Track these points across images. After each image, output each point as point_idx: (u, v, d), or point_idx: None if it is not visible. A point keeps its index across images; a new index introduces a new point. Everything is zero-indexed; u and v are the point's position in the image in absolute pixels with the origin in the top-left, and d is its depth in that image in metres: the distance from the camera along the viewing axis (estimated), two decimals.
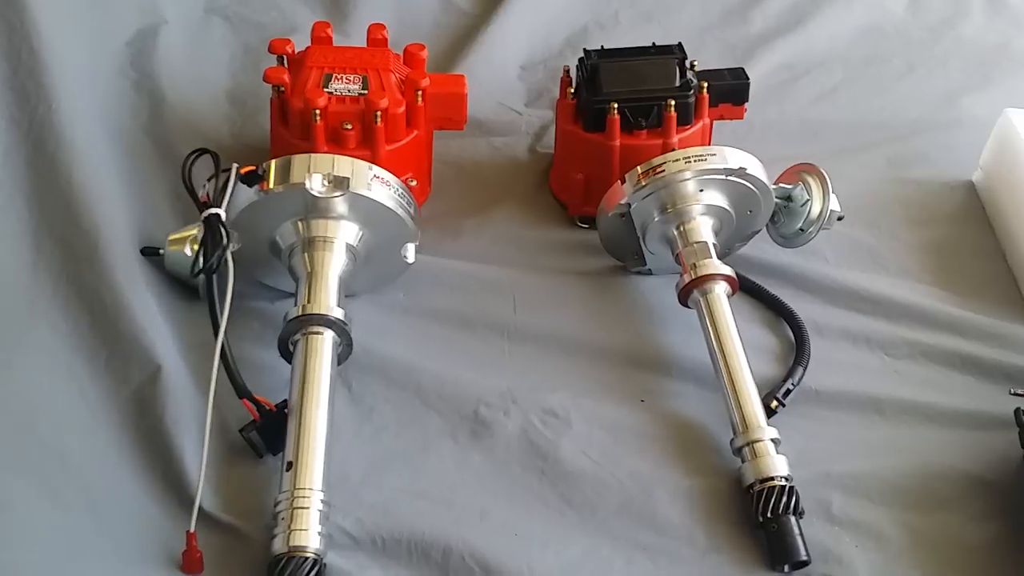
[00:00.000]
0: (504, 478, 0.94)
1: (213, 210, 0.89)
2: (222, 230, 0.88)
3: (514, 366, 1.03)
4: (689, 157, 1.02)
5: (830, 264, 1.17)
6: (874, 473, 0.96)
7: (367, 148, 1.09)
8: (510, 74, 1.43)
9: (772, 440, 0.93)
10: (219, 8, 1.46)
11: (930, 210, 1.26)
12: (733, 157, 1.03)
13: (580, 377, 1.03)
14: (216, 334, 0.87)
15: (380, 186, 0.97)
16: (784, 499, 0.88)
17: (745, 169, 1.03)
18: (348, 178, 0.94)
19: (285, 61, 1.13)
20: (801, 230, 1.09)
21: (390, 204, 0.97)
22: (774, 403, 0.99)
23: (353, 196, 0.96)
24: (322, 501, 0.84)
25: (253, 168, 0.94)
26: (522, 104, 1.38)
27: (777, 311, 1.10)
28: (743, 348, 0.99)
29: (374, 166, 0.98)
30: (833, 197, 1.09)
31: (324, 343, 0.92)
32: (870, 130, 1.37)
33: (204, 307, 1.03)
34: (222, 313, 0.86)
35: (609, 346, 1.06)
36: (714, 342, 0.99)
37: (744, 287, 1.12)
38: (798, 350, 1.05)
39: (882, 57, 1.52)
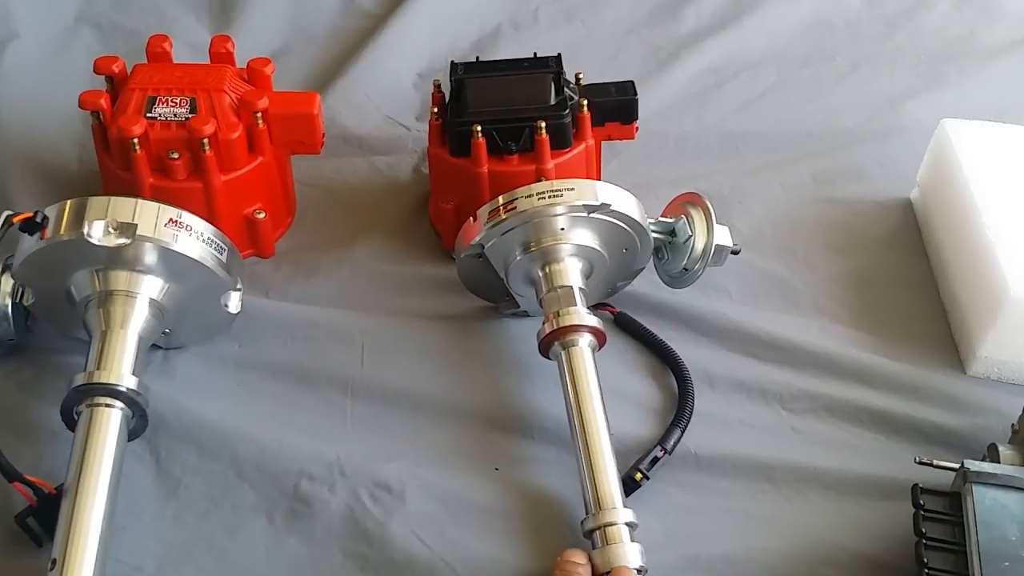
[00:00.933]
0: (321, 567, 0.82)
1: None
2: None
3: (352, 430, 0.91)
4: (544, 192, 0.89)
5: (733, 301, 1.04)
6: (751, 557, 0.83)
7: (199, 179, 0.97)
8: (404, 83, 1.30)
9: (627, 524, 0.80)
10: (92, 16, 1.35)
11: (857, 235, 1.12)
12: (596, 191, 0.90)
13: (426, 442, 0.91)
14: None
15: (182, 233, 0.85)
16: None
17: (609, 205, 0.89)
18: (135, 224, 0.82)
19: (113, 82, 1.01)
20: (686, 269, 0.96)
21: (193, 254, 0.85)
22: (638, 475, 0.86)
23: (152, 246, 0.84)
24: None
25: (30, 215, 0.82)
26: (413, 118, 1.25)
27: (663, 359, 0.97)
28: (605, 412, 0.86)
29: (177, 209, 0.86)
30: (721, 230, 0.96)
31: (110, 418, 0.81)
32: (797, 142, 1.23)
33: (7, 366, 0.94)
34: None
35: (465, 404, 0.93)
36: (572, 404, 0.87)
37: (629, 330, 1.00)
38: (678, 408, 0.92)
39: (824, 55, 1.37)
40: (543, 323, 0.91)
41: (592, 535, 0.81)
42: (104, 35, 1.32)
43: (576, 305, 0.90)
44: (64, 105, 1.19)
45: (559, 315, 0.90)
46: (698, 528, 0.85)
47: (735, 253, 0.98)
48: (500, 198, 0.92)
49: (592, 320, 0.89)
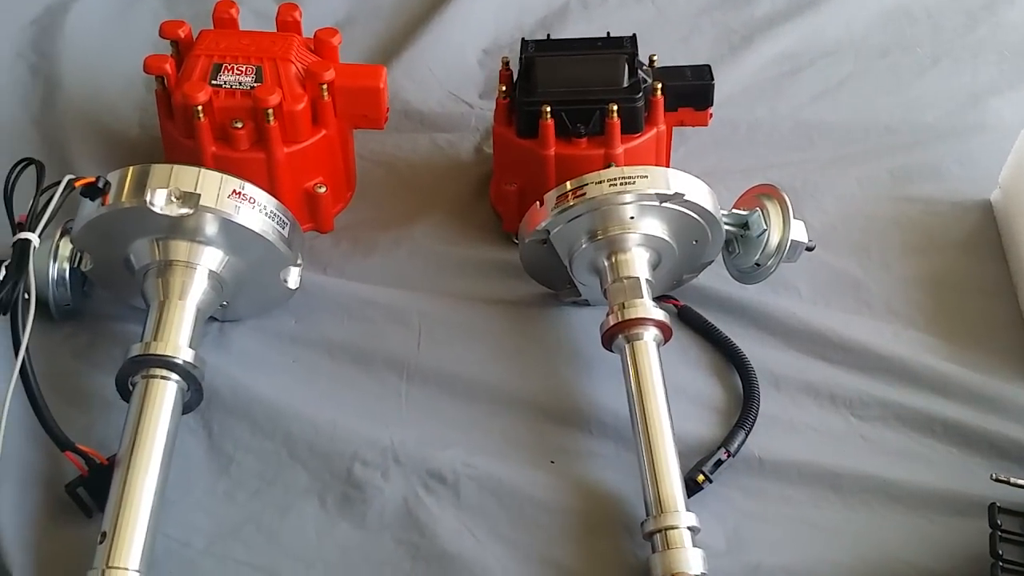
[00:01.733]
0: (372, 555, 0.80)
1: (24, 235, 0.76)
2: (29, 261, 0.75)
3: (407, 414, 0.90)
4: (615, 179, 0.86)
5: (803, 300, 1.00)
6: (814, 569, 0.80)
7: (261, 150, 0.96)
8: (469, 59, 1.27)
9: (689, 528, 0.78)
10: None
11: (935, 236, 1.07)
12: (669, 180, 0.87)
13: (482, 430, 0.89)
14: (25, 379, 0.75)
15: (245, 205, 0.83)
16: None
17: (683, 195, 0.86)
18: (198, 194, 0.81)
19: (178, 47, 0.99)
20: (758, 264, 0.92)
21: (255, 227, 0.84)
22: (700, 477, 0.83)
23: (214, 217, 0.82)
24: None
25: (93, 180, 0.81)
26: (477, 95, 1.22)
27: (728, 357, 0.94)
28: (668, 410, 0.83)
29: (240, 180, 0.84)
30: (797, 225, 0.92)
31: (166, 391, 0.80)
32: (874, 136, 1.18)
33: (62, 331, 0.93)
34: (17, 358, 0.73)
35: (521, 393, 0.91)
36: (635, 400, 0.84)
37: (694, 325, 0.96)
38: (743, 410, 0.89)
39: (904, 46, 1.31)
40: (607, 315, 0.88)
41: (653, 538, 0.78)
42: None
43: (642, 297, 0.87)
44: (127, 68, 1.18)
45: (624, 307, 0.87)
46: (760, 536, 0.83)
47: (810, 249, 0.94)
48: (568, 183, 0.89)
49: (658, 314, 0.87)
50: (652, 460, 0.80)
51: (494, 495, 0.84)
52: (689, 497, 0.82)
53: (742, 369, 0.92)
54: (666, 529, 0.77)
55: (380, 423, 0.88)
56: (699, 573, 0.75)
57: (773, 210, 0.92)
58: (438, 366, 0.93)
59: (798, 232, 0.92)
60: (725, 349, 0.94)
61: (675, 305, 0.97)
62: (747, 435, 0.87)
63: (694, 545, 0.77)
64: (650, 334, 0.86)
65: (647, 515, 0.79)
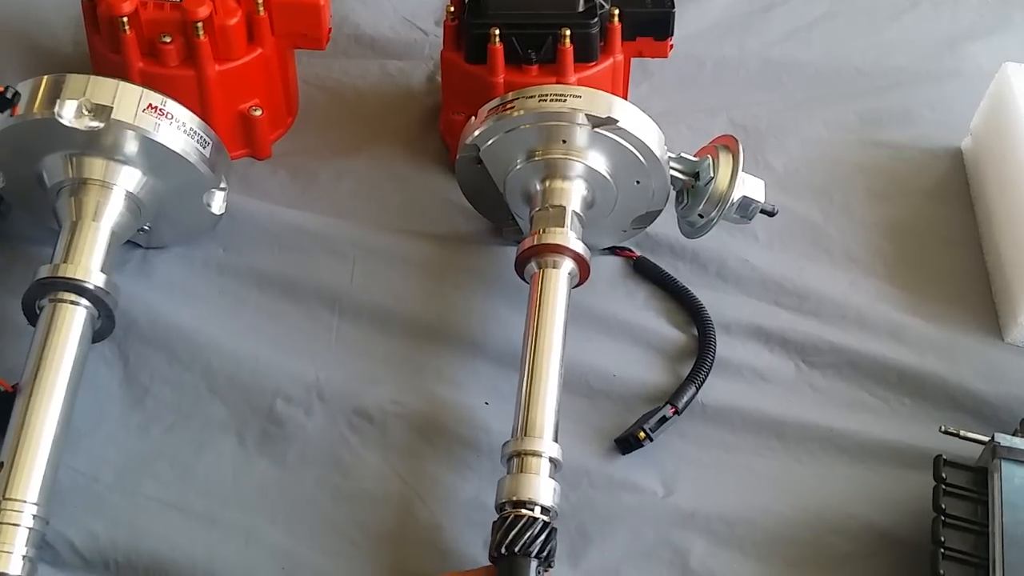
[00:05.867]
0: (290, 494, 0.77)
1: None
2: None
3: (336, 349, 0.85)
4: (546, 95, 0.81)
5: (760, 244, 0.96)
6: (753, 518, 0.77)
7: (192, 67, 0.90)
8: None
9: (551, 460, 0.72)
10: None
11: (901, 182, 1.03)
12: (609, 104, 0.81)
13: (413, 369, 0.84)
14: None
15: (164, 121, 0.78)
16: (528, 535, 0.68)
17: (616, 122, 0.81)
18: (110, 107, 0.75)
19: None
20: (701, 215, 0.86)
21: (175, 145, 0.79)
22: (641, 434, 0.79)
23: (132, 133, 0.77)
24: (35, 516, 0.68)
25: (1, 90, 0.75)
26: (433, 22, 1.16)
27: (686, 308, 0.90)
28: (563, 343, 0.78)
29: (161, 96, 0.79)
30: (752, 182, 0.85)
31: (74, 316, 0.75)
32: (845, 78, 1.14)
33: None
34: None
35: (457, 331, 0.87)
36: (531, 325, 0.79)
37: (651, 276, 0.92)
38: (696, 363, 0.85)
39: None
40: (524, 239, 0.83)
41: (511, 461, 0.73)
42: None
43: (563, 227, 0.82)
44: None
45: (543, 232, 0.81)
46: (697, 483, 0.79)
47: (768, 214, 0.87)
48: (508, 95, 0.84)
49: (578, 246, 0.81)
50: (531, 385, 0.75)
51: (423, 436, 0.80)
52: (626, 453, 0.79)
53: (699, 321, 0.88)
54: (525, 454, 0.72)
55: (307, 358, 0.84)
56: (547, 505, 0.70)
57: (724, 160, 0.86)
58: (371, 300, 0.88)
59: (752, 189, 0.85)
60: (683, 300, 0.90)
61: (630, 256, 0.93)
62: (697, 390, 0.83)
63: (551, 477, 0.71)
64: (565, 266, 0.81)
65: (511, 436, 0.74)
